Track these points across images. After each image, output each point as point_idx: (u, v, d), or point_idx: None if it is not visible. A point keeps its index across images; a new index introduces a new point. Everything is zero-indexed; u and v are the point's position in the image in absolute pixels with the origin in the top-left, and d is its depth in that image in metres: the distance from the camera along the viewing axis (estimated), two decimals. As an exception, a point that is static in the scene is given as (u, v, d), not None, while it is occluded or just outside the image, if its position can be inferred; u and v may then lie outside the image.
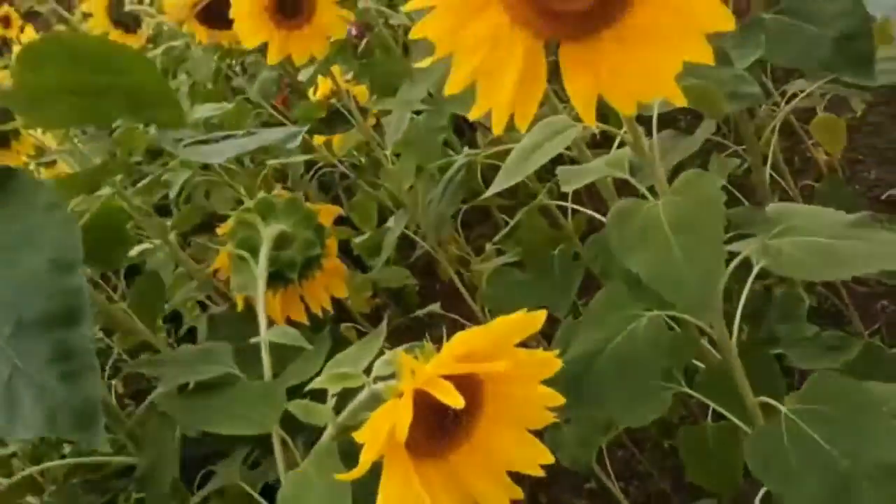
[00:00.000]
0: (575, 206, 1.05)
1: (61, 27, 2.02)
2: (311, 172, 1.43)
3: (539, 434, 0.48)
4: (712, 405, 0.65)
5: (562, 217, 1.09)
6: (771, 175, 1.25)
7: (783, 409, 0.57)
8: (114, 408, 0.73)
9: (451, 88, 0.41)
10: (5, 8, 3.23)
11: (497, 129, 0.41)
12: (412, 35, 0.41)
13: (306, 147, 1.25)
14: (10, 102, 0.74)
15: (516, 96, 0.40)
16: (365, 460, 0.38)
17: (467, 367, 0.39)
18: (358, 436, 0.38)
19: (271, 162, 1.23)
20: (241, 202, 1.24)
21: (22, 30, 3.26)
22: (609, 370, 0.57)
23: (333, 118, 0.87)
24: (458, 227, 1.11)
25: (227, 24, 1.39)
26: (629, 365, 0.57)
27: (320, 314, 0.66)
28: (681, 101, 0.41)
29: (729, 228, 0.78)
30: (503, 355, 0.40)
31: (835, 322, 1.45)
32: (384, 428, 0.38)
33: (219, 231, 0.65)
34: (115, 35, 1.37)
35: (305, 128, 0.69)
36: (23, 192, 0.50)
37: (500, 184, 0.54)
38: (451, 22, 0.40)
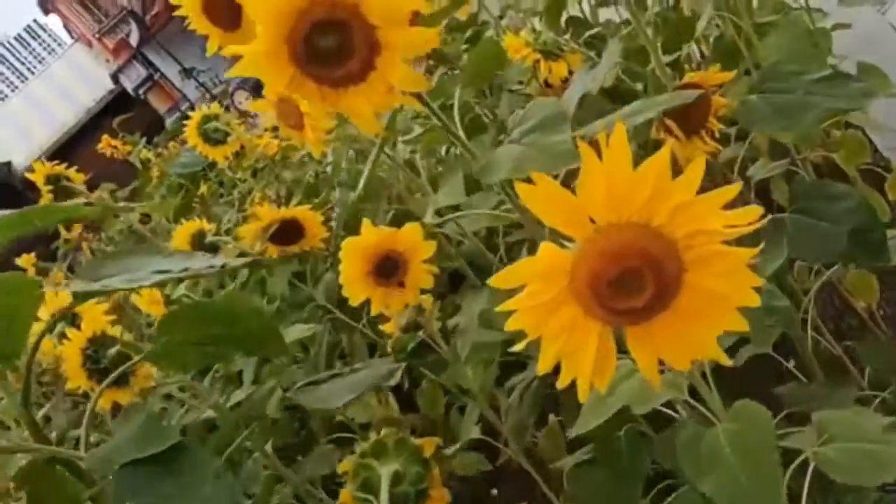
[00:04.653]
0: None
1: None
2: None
3: None
4: None
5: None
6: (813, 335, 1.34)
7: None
8: None
9: (542, 369, 0.52)
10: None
11: (582, 398, 0.51)
12: (507, 328, 0.52)
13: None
14: (149, 357, 0.87)
15: (595, 369, 0.51)
16: None
17: None
18: None
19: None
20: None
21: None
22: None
23: (421, 348, 0.98)
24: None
25: (294, 241, 1.57)
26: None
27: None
28: (726, 362, 0.52)
29: (781, 406, 0.86)
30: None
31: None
32: None
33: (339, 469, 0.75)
34: (202, 262, 1.54)
35: (403, 365, 0.80)
36: (193, 462, 0.61)
37: (583, 426, 0.64)
38: (537, 318, 0.51)
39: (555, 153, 0.65)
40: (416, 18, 0.68)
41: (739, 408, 0.59)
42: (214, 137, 2.02)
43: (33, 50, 20.36)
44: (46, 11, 18.92)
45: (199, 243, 1.54)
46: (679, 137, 1.00)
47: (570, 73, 1.46)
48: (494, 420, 1.05)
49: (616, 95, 1.39)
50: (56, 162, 1.95)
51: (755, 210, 0.48)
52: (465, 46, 2.30)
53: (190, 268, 0.68)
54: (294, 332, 1.13)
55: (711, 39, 1.68)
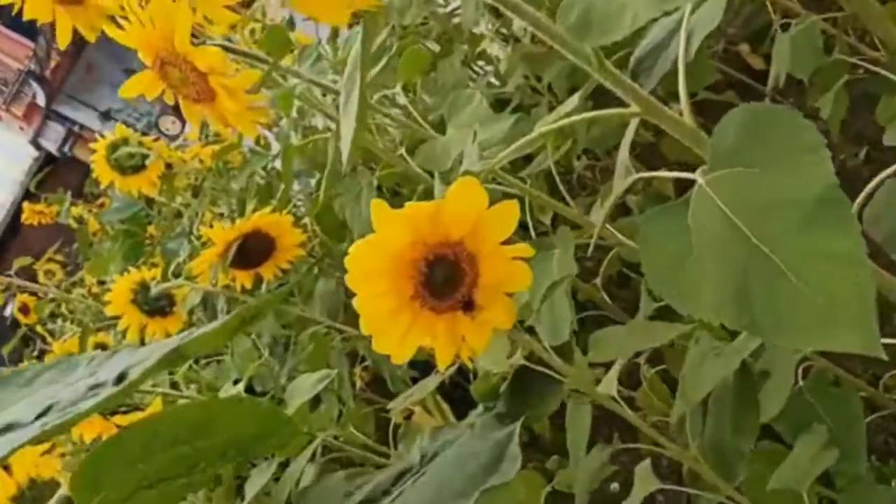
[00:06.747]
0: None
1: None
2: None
3: None
4: None
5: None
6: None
7: None
8: None
9: None
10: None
11: None
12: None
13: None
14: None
15: None
16: None
17: None
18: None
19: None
20: None
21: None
22: None
23: (527, 378, 0.58)
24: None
25: (265, 258, 1.20)
26: None
27: None
28: None
29: None
30: None
31: None
32: None
33: None
34: (153, 325, 1.17)
35: (517, 427, 0.43)
36: None
37: None
38: None
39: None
40: None
41: None
42: (131, 165, 1.63)
43: (-53, 140, 19.45)
44: (-56, 98, 18.01)
45: (145, 299, 1.17)
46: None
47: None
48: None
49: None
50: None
51: None
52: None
53: (57, 403, 0.32)
54: (300, 391, 0.76)
55: None
